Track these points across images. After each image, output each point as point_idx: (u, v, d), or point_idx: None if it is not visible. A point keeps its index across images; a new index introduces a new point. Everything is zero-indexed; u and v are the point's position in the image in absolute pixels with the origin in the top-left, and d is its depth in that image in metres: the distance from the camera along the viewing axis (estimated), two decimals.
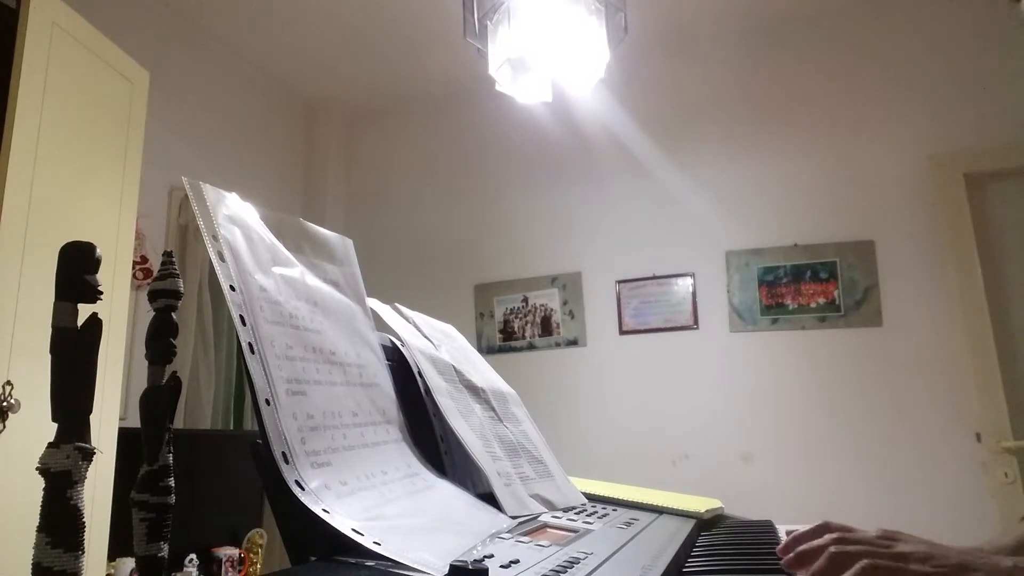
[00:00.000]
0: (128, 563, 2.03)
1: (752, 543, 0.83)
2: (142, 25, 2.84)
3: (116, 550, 1.97)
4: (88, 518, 0.45)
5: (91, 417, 0.46)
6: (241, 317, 0.58)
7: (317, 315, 0.69)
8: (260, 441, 0.55)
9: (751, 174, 3.14)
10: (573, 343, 3.32)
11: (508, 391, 1.06)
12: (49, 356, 0.46)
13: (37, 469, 0.44)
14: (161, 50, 2.91)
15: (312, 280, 0.73)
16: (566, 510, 0.84)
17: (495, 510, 0.73)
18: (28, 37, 1.80)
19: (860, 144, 3.01)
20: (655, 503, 0.97)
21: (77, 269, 0.46)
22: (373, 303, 0.86)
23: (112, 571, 2.01)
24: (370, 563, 0.49)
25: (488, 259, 3.54)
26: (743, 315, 3.06)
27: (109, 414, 2.02)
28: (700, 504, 1.00)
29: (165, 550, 0.49)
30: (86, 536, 0.44)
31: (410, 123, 3.89)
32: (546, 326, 3.37)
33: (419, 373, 0.86)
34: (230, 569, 2.40)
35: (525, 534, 0.66)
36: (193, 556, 2.27)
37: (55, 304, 0.46)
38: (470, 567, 0.45)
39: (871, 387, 2.83)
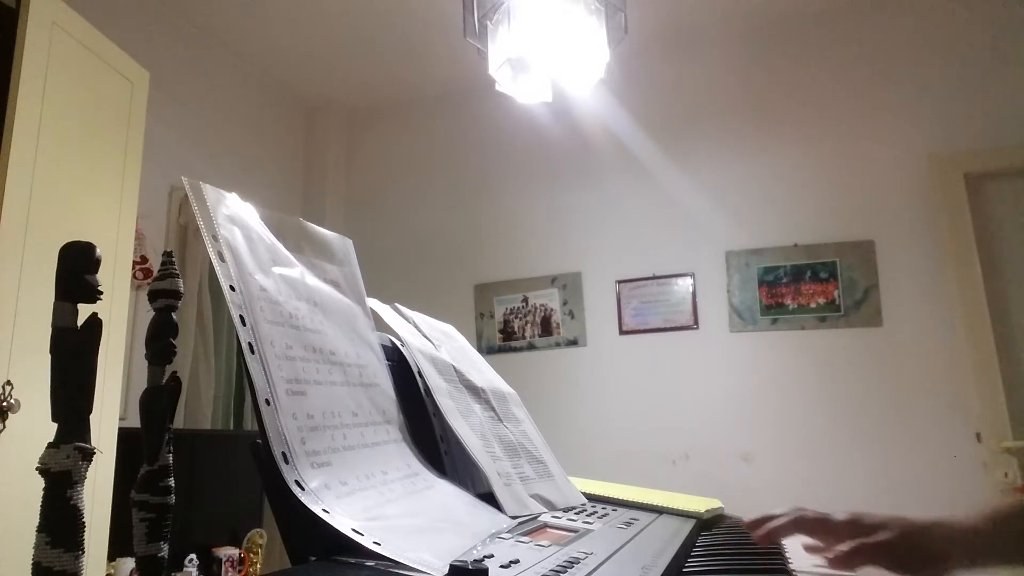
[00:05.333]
0: (128, 563, 2.03)
1: (752, 543, 0.83)
2: (142, 25, 2.84)
3: (116, 550, 1.97)
4: (88, 518, 0.45)
5: (91, 417, 0.46)
6: (241, 317, 0.58)
7: (317, 315, 0.69)
8: (260, 441, 0.55)
9: (751, 174, 3.14)
10: (573, 343, 3.32)
11: (508, 391, 1.06)
12: (49, 356, 0.46)
13: (37, 469, 0.44)
14: (161, 50, 2.91)
15: (312, 280, 0.73)
16: (566, 510, 0.84)
17: (495, 510, 0.73)
18: (28, 37, 1.80)
19: (860, 144, 3.01)
20: (655, 503, 0.97)
21: (77, 269, 0.46)
22: (373, 303, 0.86)
23: (112, 571, 2.01)
24: (370, 563, 0.49)
25: (488, 259, 3.54)
26: (743, 315, 3.06)
27: (109, 414, 2.02)
28: (700, 504, 1.00)
29: (165, 550, 0.49)
30: (86, 536, 0.44)
31: (410, 123, 3.89)
32: (546, 326, 3.38)
33: (419, 373, 0.86)
34: (230, 569, 2.40)
35: (525, 534, 0.66)
36: (193, 556, 2.27)
37: (55, 304, 0.46)
38: (470, 567, 0.45)
39: (871, 387, 2.83)
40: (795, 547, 0.74)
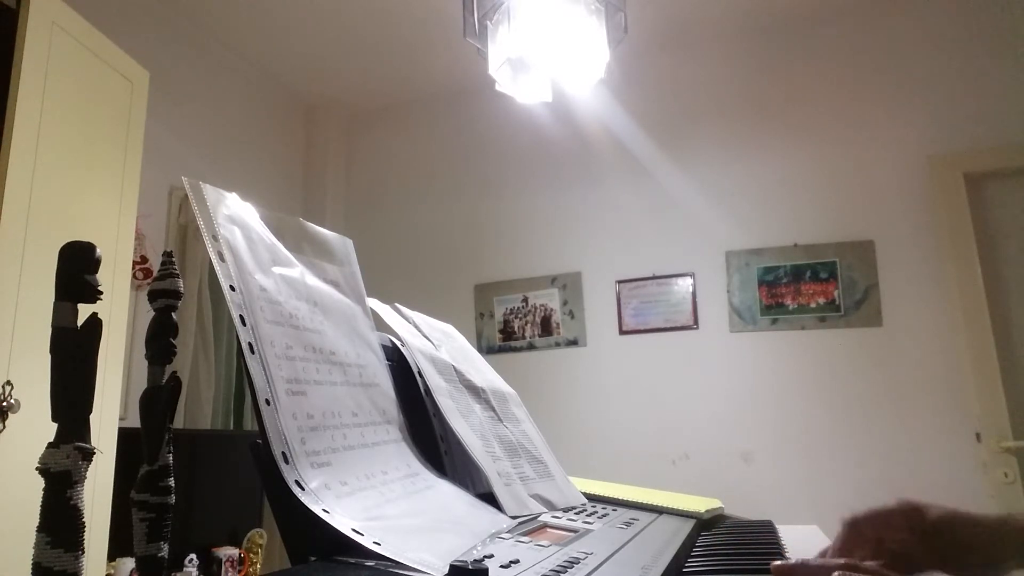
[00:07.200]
0: (128, 563, 2.02)
1: (752, 543, 0.83)
2: (142, 25, 2.84)
3: (116, 550, 1.97)
4: (88, 518, 0.45)
5: (91, 417, 0.46)
6: (241, 317, 0.58)
7: (317, 315, 0.69)
8: (260, 441, 0.55)
9: (751, 174, 3.14)
10: (573, 343, 3.32)
11: (508, 391, 1.06)
12: (49, 356, 0.46)
13: (37, 469, 0.44)
14: (161, 50, 2.91)
15: (312, 280, 0.73)
16: (566, 510, 0.84)
17: (495, 510, 0.73)
18: (28, 37, 1.80)
19: (860, 144, 3.01)
20: (655, 503, 0.97)
21: (77, 269, 0.46)
22: (373, 303, 0.86)
23: (112, 571, 2.01)
24: (370, 563, 0.49)
25: (488, 259, 3.54)
26: (743, 315, 3.06)
27: (109, 414, 2.02)
28: (700, 504, 1.00)
29: (165, 550, 0.49)
30: (86, 536, 0.44)
31: (410, 123, 3.89)
32: (546, 326, 3.37)
33: (419, 373, 0.86)
34: (230, 569, 2.40)
35: (525, 534, 0.66)
36: (193, 556, 2.27)
37: (55, 304, 0.46)
38: (470, 567, 0.45)
39: (871, 387, 2.83)
40: (799, 547, 0.74)
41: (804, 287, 2.98)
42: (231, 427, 3.06)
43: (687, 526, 0.88)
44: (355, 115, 3.99)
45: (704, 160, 3.22)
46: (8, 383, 1.66)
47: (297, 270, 0.71)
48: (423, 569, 0.49)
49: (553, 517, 0.77)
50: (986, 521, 0.59)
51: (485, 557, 0.53)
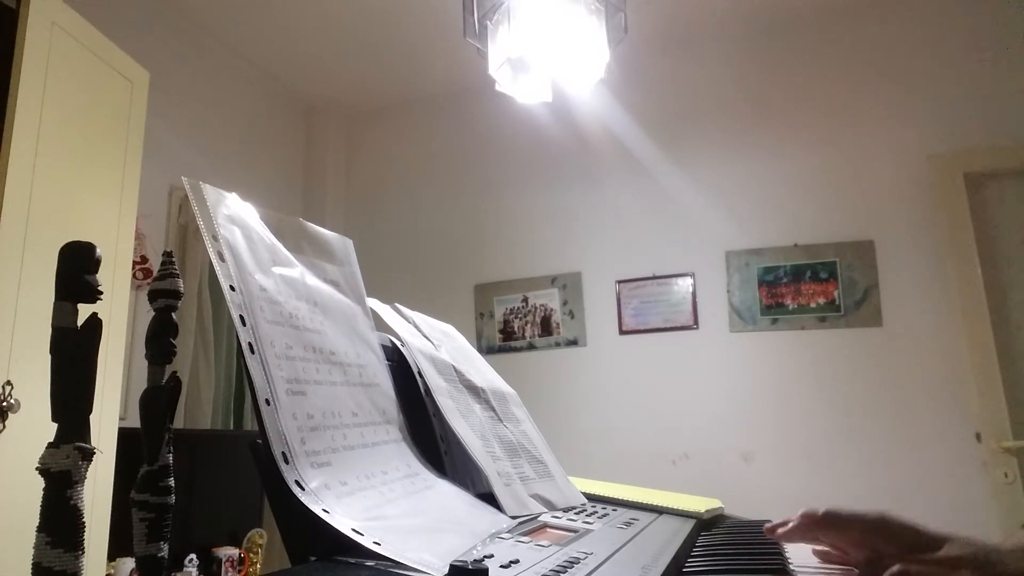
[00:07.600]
0: (128, 563, 2.03)
1: (752, 543, 0.83)
2: (142, 25, 2.84)
3: (116, 550, 1.97)
4: (88, 518, 0.45)
5: (91, 417, 0.46)
6: (241, 317, 0.58)
7: (317, 315, 0.69)
8: (260, 441, 0.54)
9: (751, 174, 3.14)
10: (573, 343, 3.32)
11: (508, 391, 1.06)
12: (49, 356, 0.45)
13: (37, 469, 0.44)
14: (161, 50, 2.91)
15: (312, 280, 0.73)
16: (566, 510, 0.84)
17: (495, 510, 0.73)
18: (28, 37, 1.80)
19: (860, 144, 3.01)
20: (655, 503, 0.97)
21: (77, 269, 0.46)
22: (373, 303, 0.86)
23: (112, 571, 2.01)
24: (370, 563, 0.49)
25: (488, 259, 3.55)
26: (743, 315, 3.06)
27: (109, 414, 2.02)
28: (700, 504, 1.00)
29: (165, 550, 0.49)
30: (86, 536, 0.44)
31: (410, 123, 3.89)
32: (546, 326, 3.38)
33: (419, 373, 0.86)
34: (230, 569, 2.40)
35: (525, 534, 0.66)
36: (193, 556, 2.27)
37: (55, 304, 0.46)
38: (470, 567, 0.45)
39: (871, 387, 2.83)
40: (799, 547, 0.74)
41: (804, 287, 2.98)
42: (231, 427, 3.06)
43: (687, 526, 0.88)
44: (355, 115, 3.99)
45: (704, 160, 3.22)
46: (8, 383, 1.66)
47: (297, 270, 0.71)
48: (423, 569, 0.49)
49: (553, 517, 0.77)
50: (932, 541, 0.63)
51: (485, 557, 0.53)
